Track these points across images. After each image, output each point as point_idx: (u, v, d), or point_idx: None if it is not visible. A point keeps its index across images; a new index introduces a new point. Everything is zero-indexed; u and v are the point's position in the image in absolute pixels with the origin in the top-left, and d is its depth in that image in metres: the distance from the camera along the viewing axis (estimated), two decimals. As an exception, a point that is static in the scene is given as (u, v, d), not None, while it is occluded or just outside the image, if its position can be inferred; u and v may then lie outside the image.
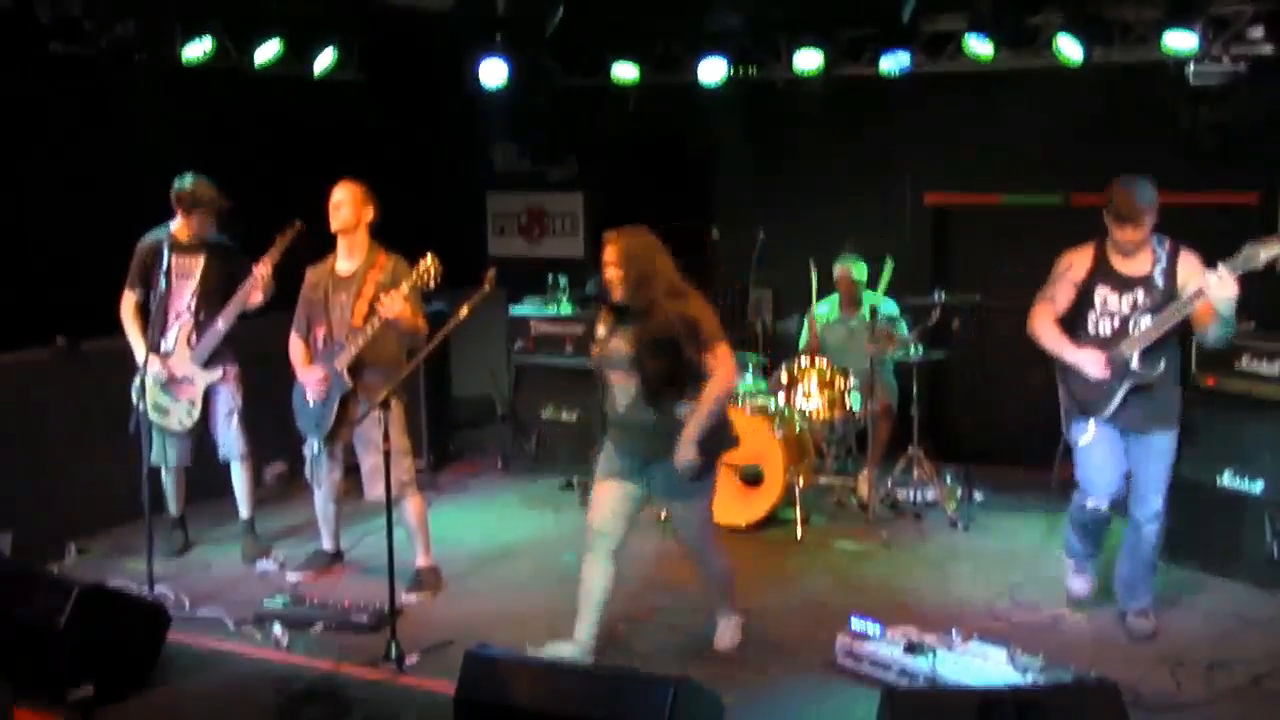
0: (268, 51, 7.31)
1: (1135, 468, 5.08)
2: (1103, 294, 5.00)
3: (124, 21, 6.15)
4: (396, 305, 5.32)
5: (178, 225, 5.93)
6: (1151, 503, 5.06)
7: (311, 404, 5.65)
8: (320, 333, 5.68)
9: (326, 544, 6.09)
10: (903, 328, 7.30)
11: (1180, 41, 6.78)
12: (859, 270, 7.54)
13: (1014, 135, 7.98)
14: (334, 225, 5.63)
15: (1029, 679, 4.33)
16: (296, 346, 5.77)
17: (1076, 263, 5.09)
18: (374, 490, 5.55)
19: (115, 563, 6.10)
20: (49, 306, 6.35)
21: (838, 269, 7.56)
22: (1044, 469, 7.78)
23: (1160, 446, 5.05)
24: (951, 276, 7.96)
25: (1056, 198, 8.13)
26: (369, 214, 5.65)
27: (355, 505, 6.15)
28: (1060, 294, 5.11)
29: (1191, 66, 6.82)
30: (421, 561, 5.83)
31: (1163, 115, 7.28)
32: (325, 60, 7.66)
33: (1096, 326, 5.03)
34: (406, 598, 5.57)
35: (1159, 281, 4.89)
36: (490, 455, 8.47)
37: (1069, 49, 7.09)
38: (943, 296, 6.96)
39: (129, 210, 5.90)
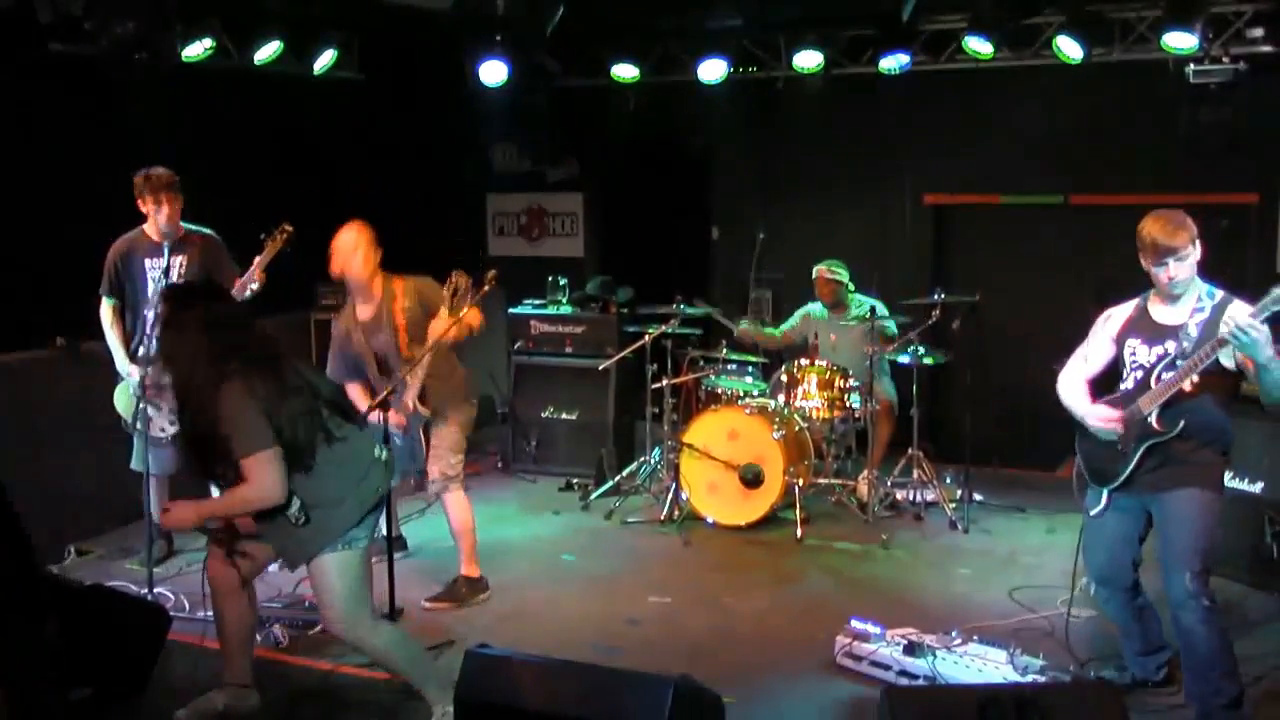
0: (268, 51, 7.31)
1: (1157, 537, 4.33)
2: (1133, 345, 4.39)
3: (124, 21, 6.13)
4: (450, 329, 5.21)
5: (147, 225, 5.87)
6: (1177, 581, 4.17)
7: (400, 442, 5.40)
8: (371, 373, 5.58)
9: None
10: (891, 326, 7.28)
11: (1180, 41, 6.78)
12: (835, 269, 7.48)
13: (1014, 135, 7.98)
14: (353, 281, 5.48)
15: (1029, 679, 4.33)
16: (358, 395, 5.55)
17: (1115, 315, 4.51)
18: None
19: (115, 563, 6.09)
20: (49, 306, 6.34)
21: (815, 271, 7.54)
22: (1044, 470, 7.86)
23: (1180, 501, 4.22)
24: (951, 276, 7.96)
25: (1056, 198, 8.14)
26: (378, 256, 5.49)
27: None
28: (1095, 351, 4.53)
29: (1191, 66, 6.82)
30: (463, 569, 5.70)
31: (1163, 115, 7.28)
32: (325, 59, 7.66)
33: (1125, 382, 4.44)
34: (425, 605, 5.54)
35: (1194, 331, 4.18)
36: (490, 455, 8.47)
37: (1069, 49, 7.10)
38: (943, 296, 6.97)
39: (129, 210, 5.88)
